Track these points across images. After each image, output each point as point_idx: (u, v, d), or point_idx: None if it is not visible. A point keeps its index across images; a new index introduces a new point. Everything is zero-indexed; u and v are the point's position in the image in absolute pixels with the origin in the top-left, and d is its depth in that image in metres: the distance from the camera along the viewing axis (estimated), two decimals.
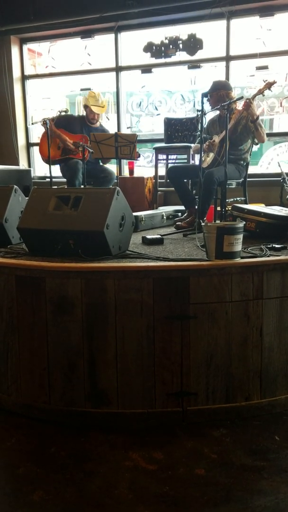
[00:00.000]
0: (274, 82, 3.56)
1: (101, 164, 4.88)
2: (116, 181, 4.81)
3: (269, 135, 5.97)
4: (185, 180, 4.08)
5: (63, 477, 2.07)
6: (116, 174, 4.90)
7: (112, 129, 6.40)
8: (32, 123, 5.50)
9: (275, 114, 5.85)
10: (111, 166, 5.00)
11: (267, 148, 6.00)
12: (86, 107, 4.90)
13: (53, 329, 2.46)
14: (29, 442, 2.36)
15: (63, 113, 4.75)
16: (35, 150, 6.77)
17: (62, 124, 4.74)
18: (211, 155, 3.86)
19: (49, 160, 4.53)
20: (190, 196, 4.03)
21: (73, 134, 4.82)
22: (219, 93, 3.83)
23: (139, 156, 4.53)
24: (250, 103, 3.65)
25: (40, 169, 6.79)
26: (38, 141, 5.31)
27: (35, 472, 2.11)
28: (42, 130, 4.83)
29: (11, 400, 2.61)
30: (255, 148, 4.17)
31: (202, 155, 3.70)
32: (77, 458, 2.21)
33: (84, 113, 4.96)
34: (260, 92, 3.65)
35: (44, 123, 4.37)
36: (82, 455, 2.23)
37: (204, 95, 3.55)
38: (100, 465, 2.14)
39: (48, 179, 4.91)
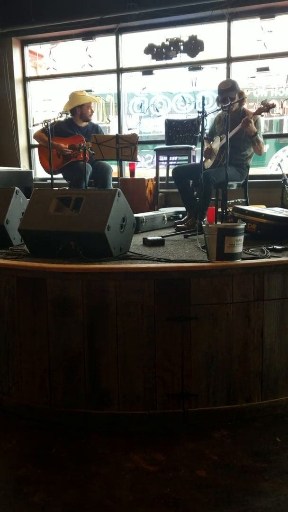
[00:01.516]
0: (273, 106, 3.62)
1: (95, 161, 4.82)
2: (115, 180, 4.79)
3: (278, 136, 6.00)
4: (191, 181, 4.09)
5: (64, 479, 2.07)
6: (112, 170, 4.86)
7: (113, 130, 6.43)
8: (33, 125, 5.51)
9: (275, 116, 5.85)
10: (111, 166, 4.98)
11: (277, 149, 6.00)
12: (79, 107, 4.81)
13: (54, 330, 2.46)
14: (30, 443, 2.36)
15: (64, 115, 4.73)
16: (37, 152, 6.78)
17: (52, 132, 4.65)
18: (213, 157, 3.87)
19: (51, 171, 4.49)
20: (192, 197, 4.04)
21: (67, 138, 4.78)
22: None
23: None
24: (249, 121, 3.70)
25: (41, 170, 6.79)
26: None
27: (36, 474, 2.11)
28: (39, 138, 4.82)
29: (12, 401, 2.61)
30: (264, 149, 4.19)
31: (203, 159, 3.71)
32: (78, 459, 2.21)
33: (70, 116, 4.87)
34: (259, 112, 3.69)
35: (45, 125, 4.36)
36: (83, 456, 2.23)
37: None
38: (101, 467, 2.14)
39: (49, 181, 4.91)
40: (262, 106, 3.62)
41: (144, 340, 2.41)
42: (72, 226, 2.63)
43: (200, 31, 5.60)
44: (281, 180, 4.61)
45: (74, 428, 2.45)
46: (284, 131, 5.98)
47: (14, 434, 2.42)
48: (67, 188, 4.73)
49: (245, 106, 4.05)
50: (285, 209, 3.52)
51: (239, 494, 1.92)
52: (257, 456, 2.18)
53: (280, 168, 4.86)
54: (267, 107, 3.58)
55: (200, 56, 5.67)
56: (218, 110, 3.89)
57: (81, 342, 2.44)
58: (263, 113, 3.72)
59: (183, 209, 4.24)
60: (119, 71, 6.23)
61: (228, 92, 3.87)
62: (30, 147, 6.88)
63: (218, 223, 3.63)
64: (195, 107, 6.08)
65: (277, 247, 2.75)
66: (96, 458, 2.21)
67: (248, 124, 3.70)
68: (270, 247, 2.75)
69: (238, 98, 3.72)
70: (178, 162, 5.48)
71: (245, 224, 2.63)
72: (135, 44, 6.03)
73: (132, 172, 5.79)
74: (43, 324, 2.47)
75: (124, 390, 2.44)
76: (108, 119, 6.67)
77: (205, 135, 3.79)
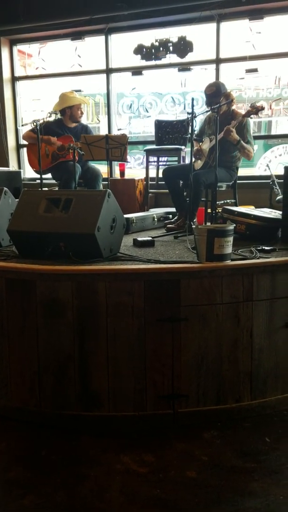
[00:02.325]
0: (262, 108, 3.62)
1: (87, 162, 4.80)
2: (105, 180, 4.78)
3: (266, 137, 6.04)
4: (181, 182, 4.09)
5: (54, 481, 2.06)
6: (101, 171, 4.85)
7: (102, 131, 6.42)
8: (22, 125, 5.48)
9: (264, 117, 5.88)
10: (100, 166, 4.97)
11: (266, 150, 6.03)
12: (68, 108, 4.79)
13: (43, 332, 2.45)
14: (20, 445, 2.35)
15: (53, 115, 4.70)
16: (26, 152, 6.74)
17: (41, 132, 4.61)
18: (203, 158, 3.88)
19: (40, 171, 4.47)
20: (182, 198, 4.05)
21: (56, 138, 4.76)
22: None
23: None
24: (230, 131, 3.71)
25: (31, 170, 6.75)
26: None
27: (26, 476, 2.10)
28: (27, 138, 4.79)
29: (1, 404, 2.60)
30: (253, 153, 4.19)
31: (193, 160, 3.72)
32: (68, 461, 2.20)
33: (59, 117, 4.85)
34: (248, 115, 3.70)
35: (34, 125, 4.33)
36: (73, 458, 2.22)
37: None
38: (92, 469, 2.14)
39: (38, 181, 4.89)
40: (251, 108, 3.64)
41: (135, 342, 2.41)
42: (61, 227, 2.62)
43: (189, 32, 5.62)
44: (269, 181, 4.64)
45: (65, 430, 2.44)
46: (273, 132, 6.02)
47: (4, 436, 2.41)
48: (57, 189, 4.71)
49: (234, 107, 4.07)
50: (273, 210, 3.54)
51: (229, 495, 1.93)
52: (246, 456, 2.19)
53: (269, 169, 4.90)
54: (256, 110, 3.60)
55: (190, 57, 5.68)
56: (207, 111, 3.90)
57: (71, 343, 2.43)
58: (252, 116, 3.74)
59: (173, 209, 4.25)
60: (108, 71, 6.22)
61: (213, 97, 3.87)
62: (19, 147, 6.84)
63: (208, 224, 3.64)
64: (184, 108, 6.09)
65: (266, 248, 2.77)
66: (86, 460, 2.20)
67: (230, 134, 3.71)
68: (259, 248, 2.77)
69: (226, 100, 3.72)
70: (168, 163, 5.49)
71: (235, 225, 2.65)
72: (124, 45, 6.02)
73: (122, 173, 5.79)
74: (32, 326, 2.46)
75: (114, 391, 2.44)
76: (97, 119, 6.65)
77: (194, 136, 3.80)
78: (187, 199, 3.75)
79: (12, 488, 2.02)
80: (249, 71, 5.56)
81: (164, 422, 2.46)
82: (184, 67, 5.81)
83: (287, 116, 5.89)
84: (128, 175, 5.89)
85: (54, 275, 2.41)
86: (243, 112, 4.10)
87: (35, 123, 4.24)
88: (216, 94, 3.90)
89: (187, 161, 4.93)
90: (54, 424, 2.48)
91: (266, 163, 5.76)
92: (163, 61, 5.79)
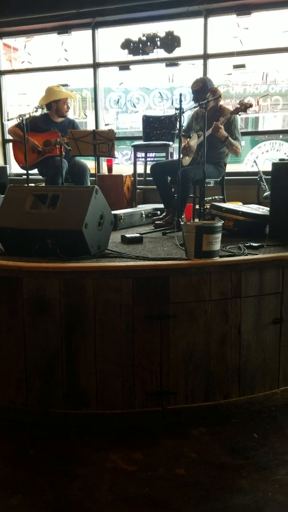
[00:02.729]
0: (250, 105, 3.63)
1: (74, 158, 4.76)
2: (92, 176, 4.74)
3: (253, 133, 6.05)
4: (169, 178, 4.08)
5: (42, 480, 2.05)
6: (88, 166, 4.81)
7: (90, 126, 6.37)
8: (8, 120, 5.39)
9: (251, 114, 5.89)
10: (88, 162, 4.93)
11: (253, 146, 6.04)
12: (54, 102, 4.73)
13: (30, 330, 2.43)
14: (7, 445, 2.32)
15: (39, 110, 4.64)
16: (11, 147, 6.66)
17: (27, 127, 4.54)
18: (191, 154, 3.87)
19: (26, 166, 4.42)
20: (170, 194, 4.03)
21: (42, 133, 4.70)
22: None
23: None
24: (218, 127, 3.71)
25: (17, 166, 6.67)
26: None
27: (13, 476, 2.08)
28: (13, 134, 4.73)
29: None
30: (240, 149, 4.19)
31: (181, 156, 3.70)
32: (56, 460, 2.18)
33: (46, 111, 4.79)
34: (236, 112, 3.70)
35: (20, 119, 4.27)
36: (61, 457, 2.20)
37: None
38: (80, 467, 2.12)
39: (24, 176, 4.83)
40: (239, 105, 3.64)
41: (123, 339, 2.40)
42: (48, 224, 2.59)
43: (177, 27, 5.59)
44: (257, 177, 4.64)
45: (53, 428, 2.42)
46: (260, 128, 6.03)
47: None
48: (43, 184, 4.66)
49: (221, 102, 4.06)
50: (261, 206, 3.55)
51: (218, 492, 1.94)
52: (235, 453, 2.19)
53: (256, 165, 4.91)
54: (244, 107, 3.60)
55: (177, 52, 5.66)
56: (195, 107, 3.89)
57: (59, 341, 2.41)
58: (240, 113, 3.73)
59: (161, 206, 4.24)
60: (95, 65, 6.16)
61: (200, 93, 3.87)
62: (4, 142, 6.75)
63: (196, 220, 3.64)
64: (172, 103, 6.07)
65: (254, 244, 2.77)
66: (75, 458, 2.19)
67: (218, 131, 3.72)
68: (247, 245, 2.77)
69: (213, 96, 3.71)
70: (156, 159, 5.47)
71: (223, 221, 2.64)
72: (111, 39, 5.97)
73: (109, 168, 5.75)
74: (19, 324, 2.43)
75: (102, 389, 2.43)
76: (84, 114, 6.60)
77: (182, 132, 3.79)
78: (175, 195, 3.74)
79: None
80: (236, 66, 5.56)
81: (153, 419, 2.45)
82: (171, 62, 5.78)
83: (274, 112, 5.91)
84: (116, 171, 5.86)
85: (41, 272, 2.38)
86: (230, 107, 4.10)
87: (21, 118, 4.18)
88: (202, 89, 3.89)
89: (175, 157, 4.91)
90: (42, 423, 2.45)
91: (253, 159, 5.77)
92: (151, 56, 5.75)
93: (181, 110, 3.45)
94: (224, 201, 4.11)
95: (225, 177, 4.19)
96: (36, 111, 4.48)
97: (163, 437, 2.34)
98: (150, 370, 2.43)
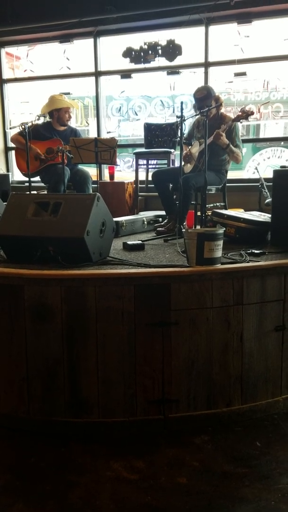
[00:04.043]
0: (252, 113, 3.65)
1: (76, 165, 4.78)
2: (94, 183, 4.76)
3: (255, 140, 6.07)
4: (170, 185, 4.09)
5: (44, 489, 2.03)
6: (90, 174, 4.83)
7: (92, 133, 6.40)
8: (10, 128, 5.43)
9: (252, 121, 5.91)
10: (90, 169, 4.95)
11: (254, 153, 6.06)
12: (56, 111, 4.76)
13: (32, 338, 2.42)
14: (8, 453, 2.31)
15: (42, 118, 4.67)
16: (14, 155, 6.69)
17: (29, 135, 4.56)
18: (193, 162, 3.89)
19: (28, 174, 4.43)
20: (172, 201, 4.04)
21: (44, 141, 4.72)
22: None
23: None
24: (220, 135, 3.73)
25: (19, 173, 6.71)
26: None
27: (15, 484, 2.07)
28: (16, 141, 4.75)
29: None
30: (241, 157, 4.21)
31: (183, 163, 3.72)
32: (57, 469, 2.17)
33: (48, 119, 4.82)
34: (238, 119, 3.72)
35: (23, 127, 4.29)
36: (63, 465, 2.19)
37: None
38: (81, 476, 2.11)
39: (27, 184, 4.85)
40: (241, 113, 3.65)
41: (125, 346, 2.39)
42: (50, 231, 2.60)
43: (178, 35, 5.63)
44: (258, 184, 4.65)
45: (54, 437, 2.41)
46: (261, 135, 6.05)
47: None
48: (45, 192, 4.68)
49: (222, 110, 4.08)
50: (263, 213, 3.55)
51: (220, 501, 1.92)
52: (237, 461, 2.18)
53: (257, 172, 4.92)
54: (246, 114, 3.61)
55: (178, 60, 5.70)
56: (196, 115, 3.91)
57: (60, 349, 2.40)
58: (242, 120, 3.75)
59: (163, 213, 4.24)
60: (97, 74, 6.20)
61: (204, 100, 3.89)
62: (7, 149, 6.79)
63: (198, 227, 3.64)
64: (173, 111, 6.10)
65: (256, 251, 2.77)
66: (76, 467, 2.18)
67: (220, 138, 3.73)
68: (248, 252, 2.77)
69: (215, 104, 3.74)
70: (157, 166, 5.49)
71: (224, 228, 2.64)
72: (113, 48, 6.02)
73: (111, 176, 5.77)
74: (20, 332, 2.43)
75: (104, 397, 2.42)
76: (86, 122, 6.63)
77: (183, 139, 3.80)
78: (177, 202, 3.75)
79: (0, 496, 1.99)
80: (237, 74, 5.59)
81: (155, 428, 2.44)
82: (173, 71, 5.82)
83: (275, 120, 5.93)
84: (118, 178, 5.88)
85: (42, 279, 2.38)
86: (231, 115, 4.11)
87: (23, 126, 4.20)
88: (206, 97, 3.91)
89: (177, 164, 4.93)
90: (43, 431, 2.44)
91: (254, 166, 5.79)
92: (152, 64, 5.79)
93: (182, 118, 3.47)
94: (225, 208, 4.12)
95: (227, 184, 4.20)
96: (38, 119, 4.51)
97: (165, 445, 2.32)
98: (152, 377, 2.42)
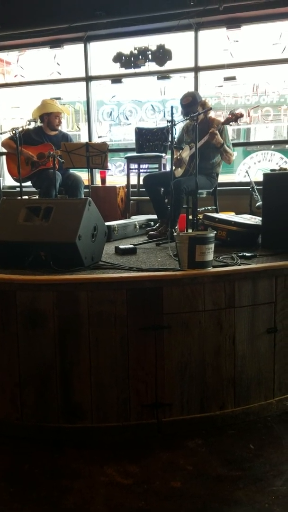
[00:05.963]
0: (241, 116, 3.68)
1: (68, 170, 4.77)
2: (86, 187, 4.75)
3: (245, 144, 6.11)
4: (162, 189, 4.10)
5: (38, 495, 2.02)
6: (82, 179, 4.84)
7: (83, 138, 6.40)
8: (1, 133, 5.41)
9: (243, 125, 5.95)
10: (82, 174, 4.95)
11: (245, 157, 6.10)
12: (46, 115, 4.76)
13: (24, 343, 2.41)
14: (1, 460, 2.29)
15: (32, 123, 4.66)
16: (5, 159, 6.68)
17: (20, 140, 4.55)
18: (183, 166, 3.90)
19: (19, 179, 4.42)
20: (163, 205, 4.05)
21: (35, 146, 4.72)
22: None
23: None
24: (215, 134, 3.76)
25: (10, 178, 6.69)
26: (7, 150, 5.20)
27: (9, 491, 2.06)
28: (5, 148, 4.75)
29: None
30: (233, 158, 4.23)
31: (174, 168, 3.73)
32: (51, 474, 2.16)
33: (39, 124, 4.82)
34: (227, 122, 3.75)
35: (13, 133, 4.28)
36: (56, 471, 2.18)
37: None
38: (75, 481, 2.10)
39: (18, 189, 4.83)
40: (230, 116, 3.68)
41: (117, 351, 2.39)
42: (42, 236, 2.59)
43: (168, 40, 5.66)
44: (249, 187, 4.68)
45: (47, 443, 2.40)
46: (251, 139, 6.09)
47: None
48: (37, 197, 4.67)
49: (211, 114, 4.10)
50: (253, 216, 3.57)
51: (214, 504, 1.92)
52: (231, 464, 2.18)
53: (248, 175, 4.95)
54: (235, 117, 3.64)
55: (169, 65, 5.72)
56: (186, 119, 3.93)
57: (53, 354, 2.39)
58: (231, 123, 3.78)
59: (154, 216, 4.25)
60: (88, 79, 6.21)
61: (190, 107, 3.95)
62: None
63: (189, 231, 3.65)
64: (164, 116, 6.12)
65: (247, 254, 2.78)
66: (70, 473, 2.17)
67: (214, 137, 3.77)
68: (240, 255, 2.78)
69: (203, 109, 3.76)
70: (149, 170, 5.50)
71: (216, 232, 2.66)
72: (103, 53, 6.03)
73: (103, 180, 5.77)
74: (12, 337, 2.42)
75: (97, 402, 2.41)
76: (78, 127, 6.63)
77: (174, 144, 3.81)
78: (168, 206, 3.76)
79: None
80: (227, 79, 5.62)
81: (148, 432, 2.43)
82: (163, 75, 5.84)
83: (265, 123, 5.97)
84: (109, 182, 5.88)
85: (34, 285, 2.37)
86: (220, 118, 4.14)
87: (14, 131, 4.20)
88: (192, 103, 3.97)
89: (168, 168, 4.94)
90: (37, 437, 2.43)
91: (245, 169, 5.82)
92: (142, 69, 5.81)
93: (173, 122, 3.48)
94: (217, 212, 4.13)
95: (218, 188, 4.22)
96: (29, 124, 4.50)
97: (158, 449, 2.32)
98: (145, 381, 2.42)
